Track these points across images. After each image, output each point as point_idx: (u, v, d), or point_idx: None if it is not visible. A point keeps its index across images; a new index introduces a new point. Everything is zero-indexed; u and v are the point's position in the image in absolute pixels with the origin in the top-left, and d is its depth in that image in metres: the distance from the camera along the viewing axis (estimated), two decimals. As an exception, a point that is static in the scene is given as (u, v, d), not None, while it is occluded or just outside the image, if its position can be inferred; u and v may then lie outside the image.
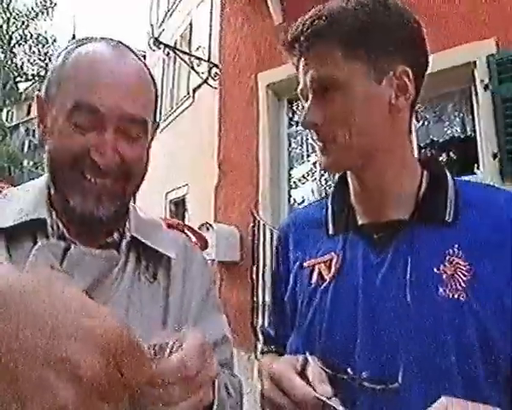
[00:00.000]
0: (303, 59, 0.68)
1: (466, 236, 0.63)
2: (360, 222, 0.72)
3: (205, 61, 5.65)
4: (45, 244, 0.59)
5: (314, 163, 4.11)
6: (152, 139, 0.72)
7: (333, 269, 0.69)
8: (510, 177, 2.88)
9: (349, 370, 0.62)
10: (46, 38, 24.13)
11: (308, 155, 4.24)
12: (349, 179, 0.75)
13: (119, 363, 0.31)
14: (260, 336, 1.01)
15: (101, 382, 0.29)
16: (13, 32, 23.08)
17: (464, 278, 0.60)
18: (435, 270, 0.62)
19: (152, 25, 6.63)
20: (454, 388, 0.56)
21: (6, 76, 22.78)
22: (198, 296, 0.75)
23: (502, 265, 0.60)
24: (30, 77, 24.08)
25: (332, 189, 0.81)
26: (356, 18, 0.64)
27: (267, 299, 3.50)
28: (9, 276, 0.32)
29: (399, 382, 0.58)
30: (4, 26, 22.50)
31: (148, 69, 0.70)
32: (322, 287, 0.69)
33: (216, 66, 5.28)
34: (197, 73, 5.66)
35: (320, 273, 0.71)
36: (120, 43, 0.68)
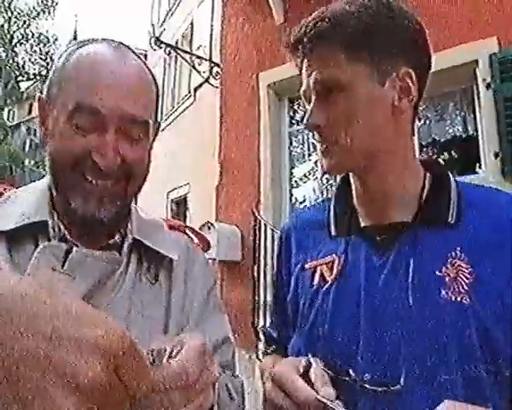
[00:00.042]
0: (306, 61, 0.68)
1: (468, 237, 0.63)
2: (363, 224, 0.72)
3: (206, 60, 5.65)
4: (47, 246, 0.59)
5: (315, 162, 4.10)
6: (154, 140, 0.72)
7: (335, 271, 0.69)
8: (512, 176, 2.88)
9: (351, 372, 0.62)
10: (47, 38, 24.19)
11: (309, 154, 4.24)
12: (351, 181, 0.75)
13: (120, 369, 0.30)
14: (262, 337, 1.01)
15: (102, 388, 0.29)
16: (14, 32, 23.13)
17: (467, 281, 0.60)
18: (437, 272, 0.62)
19: (153, 24, 6.64)
20: (455, 389, 0.56)
21: (7, 75, 22.82)
22: (200, 297, 0.75)
23: (502, 265, 0.60)
24: (31, 76, 24.14)
25: (334, 190, 0.81)
26: (359, 20, 0.64)
27: (268, 299, 3.50)
28: (10, 279, 0.32)
29: (401, 384, 0.58)
30: (6, 25, 22.55)
31: (149, 70, 0.69)
32: (323, 288, 0.69)
33: (217, 65, 5.28)
34: (198, 72, 5.66)
35: (322, 275, 0.71)
36: (121, 44, 0.68)
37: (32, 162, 23.09)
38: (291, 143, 4.39)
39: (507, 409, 0.57)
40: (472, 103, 3.31)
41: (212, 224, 4.15)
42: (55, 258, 0.58)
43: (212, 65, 5.49)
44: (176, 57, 7.32)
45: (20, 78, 24.10)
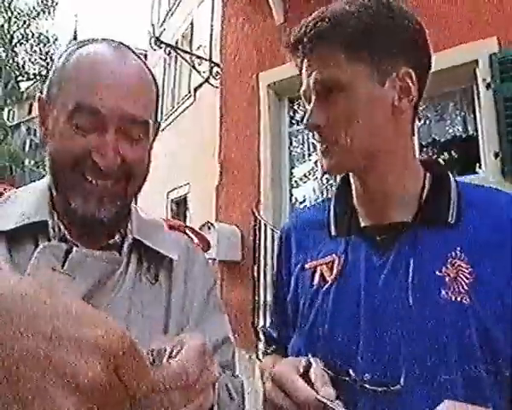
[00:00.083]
0: (306, 61, 0.68)
1: (468, 237, 0.63)
2: (363, 224, 0.72)
3: (206, 60, 5.65)
4: (47, 246, 0.59)
5: (315, 162, 4.10)
6: (154, 140, 0.72)
7: (335, 271, 0.69)
8: (512, 176, 2.88)
9: (351, 371, 0.62)
10: (47, 38, 24.20)
11: (309, 154, 4.24)
12: (351, 181, 0.75)
13: (120, 369, 0.30)
14: (262, 337, 1.02)
15: (102, 388, 0.29)
16: (14, 32, 23.14)
17: (467, 281, 0.60)
18: (437, 272, 0.62)
19: (153, 24, 6.64)
20: (455, 389, 0.57)
21: (7, 75, 22.83)
22: (200, 297, 0.75)
23: (502, 265, 0.60)
24: (31, 76, 24.15)
25: (334, 190, 0.81)
26: (359, 20, 0.64)
27: (268, 299, 3.50)
28: (10, 279, 0.32)
29: (401, 384, 0.58)
30: (6, 25, 22.55)
31: (149, 70, 0.69)
32: (323, 288, 0.69)
33: (217, 65, 5.28)
34: (198, 72, 5.66)
35: (322, 275, 0.71)
36: (121, 44, 0.68)
37: (32, 162, 23.09)
38: (291, 143, 4.39)
39: (507, 409, 0.57)
40: (472, 103, 3.31)
41: (212, 224, 4.15)
42: (55, 258, 0.58)
43: (212, 65, 5.49)
44: (176, 57, 7.32)
45: (20, 78, 24.10)
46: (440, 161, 3.65)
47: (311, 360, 0.61)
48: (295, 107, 4.38)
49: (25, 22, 23.19)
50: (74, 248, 0.60)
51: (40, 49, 23.96)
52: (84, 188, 0.61)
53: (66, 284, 0.57)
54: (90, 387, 0.29)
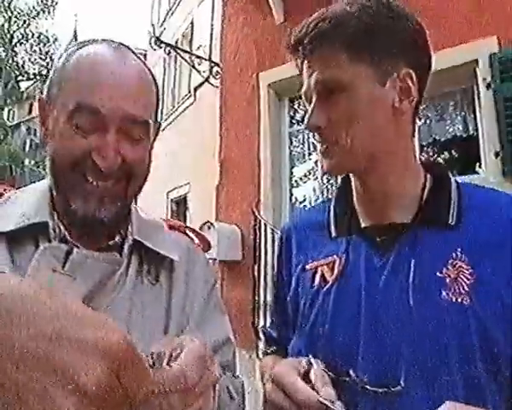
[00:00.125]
0: (307, 61, 0.68)
1: (468, 238, 0.63)
2: (363, 225, 0.72)
3: (206, 59, 5.64)
4: (47, 248, 0.59)
5: (315, 162, 4.10)
6: (154, 140, 0.72)
7: (335, 271, 0.69)
8: (512, 176, 2.87)
9: (351, 372, 0.62)
10: (47, 37, 24.22)
11: (309, 154, 4.24)
12: (352, 182, 0.75)
13: (119, 371, 0.30)
14: (262, 337, 1.01)
15: (102, 389, 0.29)
16: (14, 31, 23.14)
17: (467, 282, 0.60)
18: (438, 273, 0.61)
19: (153, 24, 6.64)
20: (456, 390, 0.57)
21: (7, 75, 22.83)
22: (200, 298, 0.75)
23: (502, 265, 0.60)
24: (31, 76, 24.16)
25: (335, 191, 0.80)
26: (360, 20, 0.64)
27: (268, 298, 3.51)
28: (10, 280, 0.32)
29: (402, 385, 0.58)
30: (6, 25, 22.56)
31: (150, 70, 0.69)
32: (324, 289, 0.69)
33: (217, 64, 5.28)
34: (198, 71, 5.66)
35: (322, 275, 0.71)
36: (121, 44, 0.68)
37: (32, 162, 23.11)
38: (291, 143, 4.39)
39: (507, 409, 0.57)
40: (472, 103, 3.31)
41: (212, 224, 4.15)
42: (56, 259, 0.58)
43: (212, 65, 5.48)
44: (176, 57, 7.31)
45: (20, 78, 24.12)
46: (440, 160, 3.65)
47: (312, 360, 0.61)
48: (295, 106, 4.38)
49: (25, 22, 23.20)
50: (75, 250, 0.60)
51: (40, 49, 23.99)
52: (84, 189, 0.61)
53: (66, 285, 0.57)
54: (91, 388, 0.29)
